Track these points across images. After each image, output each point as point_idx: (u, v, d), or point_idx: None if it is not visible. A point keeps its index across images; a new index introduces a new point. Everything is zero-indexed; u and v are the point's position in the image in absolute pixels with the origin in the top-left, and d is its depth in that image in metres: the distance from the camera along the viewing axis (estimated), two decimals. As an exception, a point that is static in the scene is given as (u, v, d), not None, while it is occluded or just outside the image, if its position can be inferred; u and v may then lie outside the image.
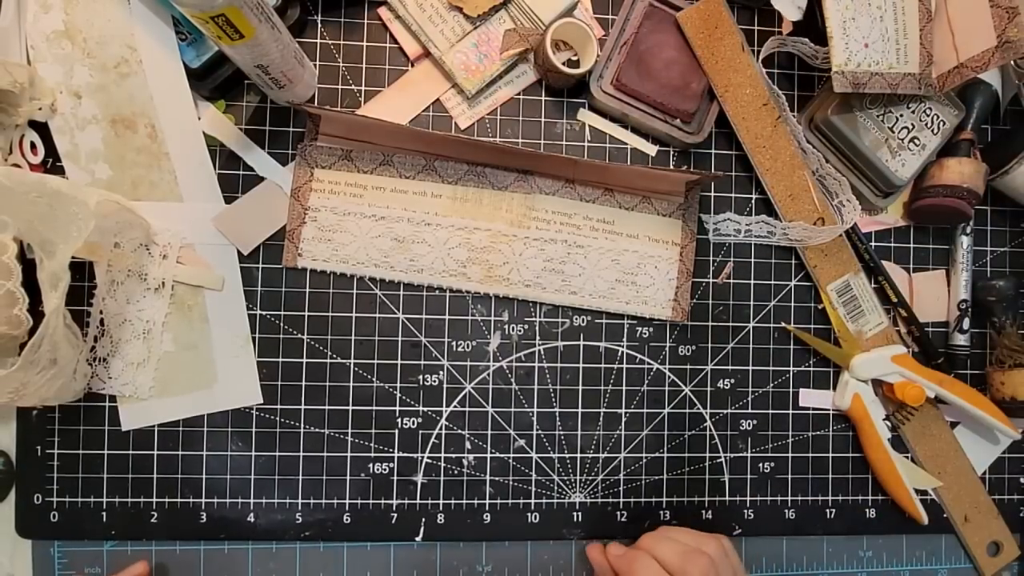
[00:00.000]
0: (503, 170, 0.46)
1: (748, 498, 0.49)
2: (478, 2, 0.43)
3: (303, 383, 0.45)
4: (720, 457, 0.48)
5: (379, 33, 0.46)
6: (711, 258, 0.48)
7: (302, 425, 0.45)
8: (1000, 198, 0.51)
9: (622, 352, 0.48)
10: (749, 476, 0.49)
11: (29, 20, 0.42)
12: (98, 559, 0.45)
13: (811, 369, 0.49)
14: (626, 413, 0.48)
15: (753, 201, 0.49)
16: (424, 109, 0.46)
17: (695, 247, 0.48)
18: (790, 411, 0.49)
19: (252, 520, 0.45)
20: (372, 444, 0.46)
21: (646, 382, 0.48)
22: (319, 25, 0.45)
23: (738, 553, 0.42)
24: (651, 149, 0.48)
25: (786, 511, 0.49)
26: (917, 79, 0.44)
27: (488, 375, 0.47)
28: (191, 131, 0.44)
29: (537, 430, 0.47)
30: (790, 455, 0.49)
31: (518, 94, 0.47)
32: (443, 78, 0.46)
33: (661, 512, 0.48)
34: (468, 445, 0.47)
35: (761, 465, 0.49)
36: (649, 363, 0.48)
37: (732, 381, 0.49)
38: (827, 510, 0.49)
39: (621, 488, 0.48)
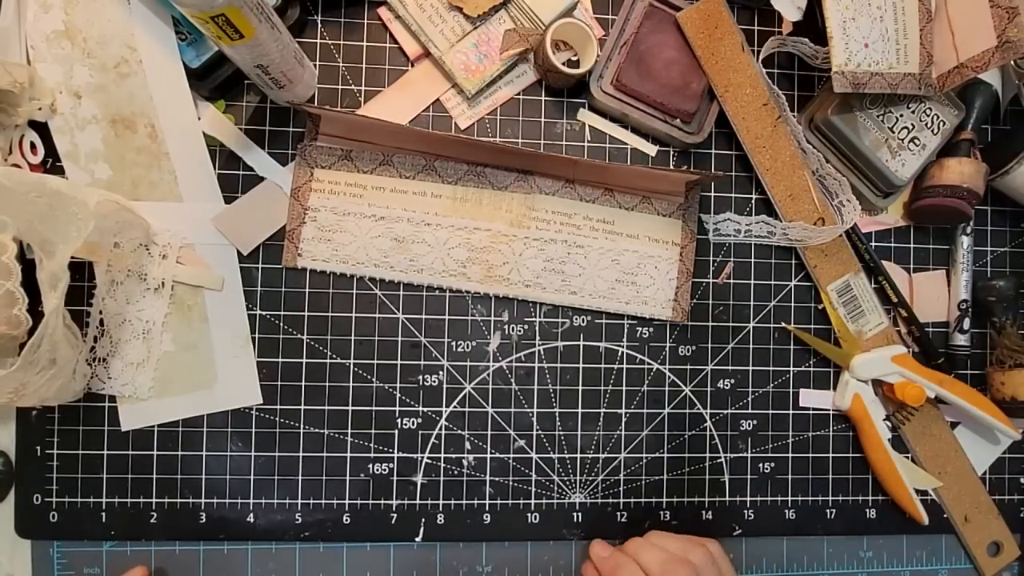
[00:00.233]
0: (503, 170, 0.46)
1: (748, 498, 0.49)
2: (478, 2, 0.44)
3: (303, 383, 0.45)
4: (720, 457, 0.48)
5: (379, 33, 0.46)
6: (711, 258, 0.48)
7: (302, 425, 0.45)
8: (1000, 198, 0.51)
9: (622, 352, 0.48)
10: (749, 476, 0.49)
11: (29, 20, 0.42)
12: (97, 559, 0.45)
13: (811, 369, 0.49)
14: (626, 413, 0.48)
15: (753, 201, 0.49)
16: (424, 109, 0.46)
17: (695, 247, 0.48)
18: (790, 411, 0.49)
19: (252, 520, 0.45)
20: (372, 444, 0.46)
21: (646, 382, 0.48)
22: (319, 25, 0.45)
23: (731, 557, 0.42)
24: (651, 149, 0.48)
25: (786, 511, 0.49)
26: (917, 79, 0.44)
27: (488, 375, 0.47)
28: (191, 131, 0.44)
29: (537, 430, 0.47)
30: (790, 455, 0.49)
31: (518, 94, 0.47)
32: (443, 78, 0.46)
33: (661, 512, 0.48)
34: (468, 445, 0.46)
35: (761, 465, 0.49)
36: (649, 363, 0.48)
37: (732, 381, 0.49)
38: (827, 510, 0.49)
39: (621, 488, 0.48)
